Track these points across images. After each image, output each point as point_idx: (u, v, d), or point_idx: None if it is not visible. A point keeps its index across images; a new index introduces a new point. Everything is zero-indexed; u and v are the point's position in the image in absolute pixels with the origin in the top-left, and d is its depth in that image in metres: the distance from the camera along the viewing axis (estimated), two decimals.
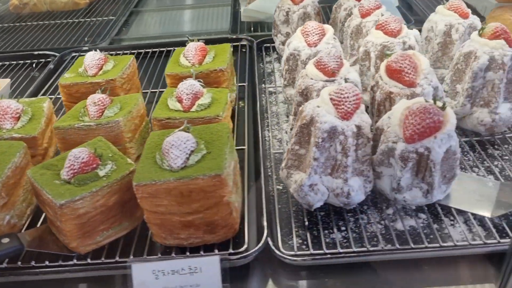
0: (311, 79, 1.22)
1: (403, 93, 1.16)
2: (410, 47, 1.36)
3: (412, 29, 1.43)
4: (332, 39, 1.40)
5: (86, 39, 2.15)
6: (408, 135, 0.99)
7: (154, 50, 1.95)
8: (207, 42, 1.60)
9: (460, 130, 1.37)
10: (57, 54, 1.96)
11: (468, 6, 1.50)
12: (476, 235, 1.04)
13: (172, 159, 0.97)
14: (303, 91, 1.22)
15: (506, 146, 1.32)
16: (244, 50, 1.94)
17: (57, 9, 2.54)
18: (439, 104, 1.01)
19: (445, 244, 1.02)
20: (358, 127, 1.04)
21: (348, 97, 1.04)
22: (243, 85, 1.67)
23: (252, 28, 2.17)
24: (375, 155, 1.08)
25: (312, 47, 1.37)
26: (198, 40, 1.51)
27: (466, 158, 1.29)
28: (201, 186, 0.94)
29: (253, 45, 1.92)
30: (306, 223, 1.11)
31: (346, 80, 1.18)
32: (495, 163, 1.26)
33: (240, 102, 1.60)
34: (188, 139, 0.99)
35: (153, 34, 2.33)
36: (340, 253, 1.02)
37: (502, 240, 1.02)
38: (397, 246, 1.02)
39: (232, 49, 1.61)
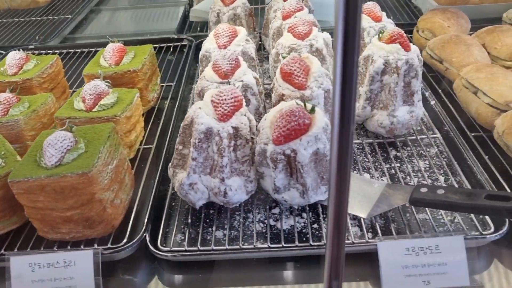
0: (207, 80, 1.25)
1: (294, 95, 1.19)
2: (318, 50, 1.39)
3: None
4: (244, 41, 1.43)
5: (37, 37, 2.20)
6: (275, 137, 1.02)
7: (97, 49, 2.00)
8: (146, 42, 1.63)
9: (364, 132, 1.40)
10: (3, 52, 2.01)
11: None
12: (349, 235, 1.08)
13: (47, 157, 1.01)
14: (200, 92, 1.26)
15: (406, 148, 1.35)
16: (184, 50, 1.97)
17: (17, 7, 2.59)
18: (309, 107, 1.04)
19: (301, 244, 1.05)
20: (236, 129, 1.07)
21: (226, 99, 1.07)
22: (171, 85, 1.71)
23: (198, 28, 2.21)
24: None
25: (221, 49, 1.40)
26: (118, 41, 1.55)
27: (367, 160, 1.31)
28: (71, 184, 0.98)
29: (192, 45, 1.95)
30: (189, 220, 1.14)
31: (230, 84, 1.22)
32: (392, 165, 1.29)
33: (166, 102, 1.63)
34: (65, 138, 1.03)
35: (108, 33, 2.37)
36: (214, 250, 1.06)
37: (370, 240, 1.05)
38: (269, 244, 1.06)
39: (156, 50, 1.64)
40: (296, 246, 1.05)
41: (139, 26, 2.38)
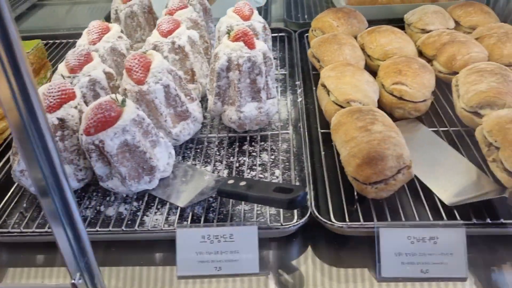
0: (59, 75, 1.33)
1: (133, 90, 1.26)
2: (180, 47, 1.45)
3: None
4: (116, 38, 1.49)
5: None
6: (85, 128, 1.09)
7: None
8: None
9: (223, 126, 1.46)
10: None
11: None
12: (170, 222, 1.14)
13: None
14: None
15: (258, 143, 1.40)
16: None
17: None
18: (120, 100, 1.11)
19: (127, 229, 1.12)
20: (62, 120, 1.14)
21: (52, 92, 1.15)
22: None
23: None
24: None
25: (91, 45, 1.47)
26: None
27: (218, 153, 1.37)
28: None
29: None
30: (24, 205, 1.22)
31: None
32: (239, 159, 1.34)
33: None
34: None
35: (46, 27, 2.46)
36: (36, 232, 1.14)
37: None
38: (98, 228, 1.13)
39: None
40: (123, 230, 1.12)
41: (77, 20, 2.47)
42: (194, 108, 1.37)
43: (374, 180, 1.07)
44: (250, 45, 1.31)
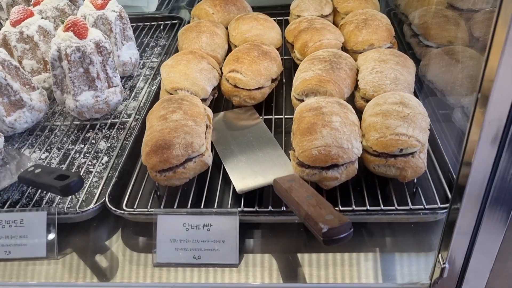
0: None
1: None
2: (28, 36, 1.47)
3: None
4: None
5: None
6: None
7: None
8: None
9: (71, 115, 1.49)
10: None
11: None
12: None
13: None
14: None
15: (97, 131, 1.42)
16: None
17: None
18: None
19: None
20: None
21: None
22: None
23: None
24: None
25: None
26: None
27: (58, 140, 1.40)
28: None
29: None
30: None
31: None
32: (74, 146, 1.37)
33: None
34: None
35: None
36: None
37: None
38: None
39: None
40: None
41: None
42: (34, 97, 1.40)
43: (161, 168, 1.09)
44: (80, 35, 1.33)
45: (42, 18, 1.58)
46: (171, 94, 1.35)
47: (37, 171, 1.12)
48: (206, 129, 1.20)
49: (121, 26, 1.59)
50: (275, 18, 1.94)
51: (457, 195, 0.82)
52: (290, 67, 1.65)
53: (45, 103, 1.43)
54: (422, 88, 1.46)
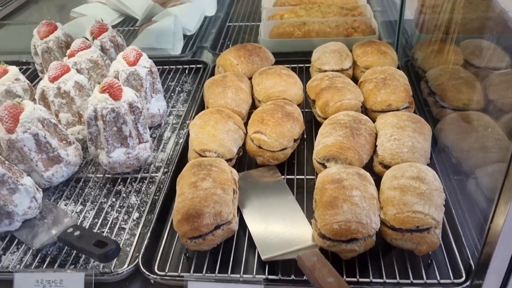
0: None
1: (5, 138, 1.39)
2: (65, 92, 1.57)
3: None
4: (13, 80, 1.63)
5: None
6: None
7: None
8: None
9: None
10: None
11: None
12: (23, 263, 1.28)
13: None
14: None
15: (129, 184, 1.51)
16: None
17: None
18: None
19: None
20: None
21: None
22: None
23: None
24: None
25: None
26: None
27: (91, 193, 1.49)
28: None
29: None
30: None
31: None
32: (107, 200, 1.46)
33: None
34: None
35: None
36: None
37: None
38: None
39: None
40: None
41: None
42: (70, 152, 1.49)
43: (191, 235, 1.17)
44: (115, 97, 1.42)
45: (76, 69, 1.67)
46: (199, 153, 1.43)
47: (76, 233, 1.21)
48: (233, 194, 1.28)
49: (151, 80, 1.67)
50: (295, 66, 2.03)
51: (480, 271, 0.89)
52: (310, 119, 1.72)
53: (79, 157, 1.52)
54: (437, 151, 1.52)
